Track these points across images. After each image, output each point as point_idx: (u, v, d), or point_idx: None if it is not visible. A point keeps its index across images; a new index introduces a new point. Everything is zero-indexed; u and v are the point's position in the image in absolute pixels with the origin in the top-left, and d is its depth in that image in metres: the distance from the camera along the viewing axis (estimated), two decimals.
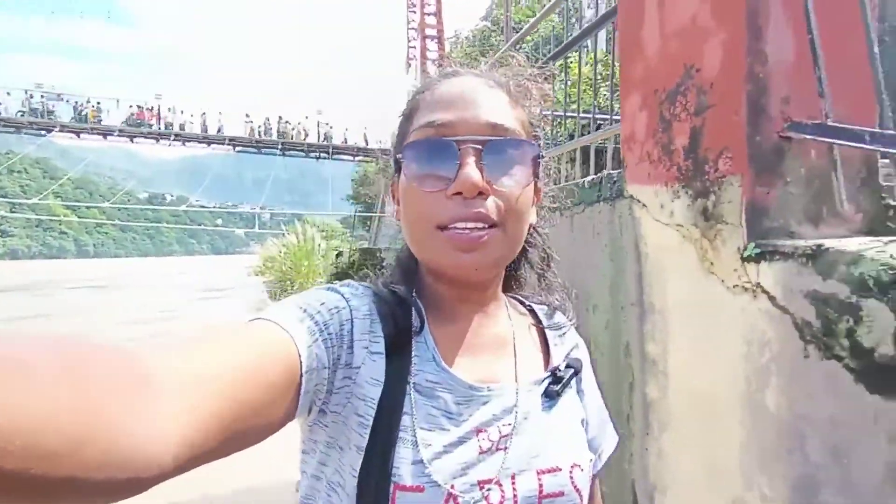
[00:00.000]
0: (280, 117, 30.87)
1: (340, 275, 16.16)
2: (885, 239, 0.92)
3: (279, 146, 31.08)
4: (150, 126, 29.08)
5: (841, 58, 1.06)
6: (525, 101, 0.65)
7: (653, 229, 1.45)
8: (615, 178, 1.64)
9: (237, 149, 32.25)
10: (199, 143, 31.66)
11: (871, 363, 0.86)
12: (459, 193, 0.56)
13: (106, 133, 28.96)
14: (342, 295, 0.58)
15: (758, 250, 1.10)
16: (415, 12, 28.96)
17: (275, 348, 0.48)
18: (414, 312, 0.60)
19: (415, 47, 29.44)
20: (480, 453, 0.57)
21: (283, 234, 17.70)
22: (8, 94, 27.18)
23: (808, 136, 1.08)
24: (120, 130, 28.73)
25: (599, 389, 0.80)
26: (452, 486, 0.54)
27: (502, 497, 0.56)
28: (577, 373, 0.68)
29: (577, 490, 0.60)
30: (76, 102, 28.63)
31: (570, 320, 0.73)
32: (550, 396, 0.64)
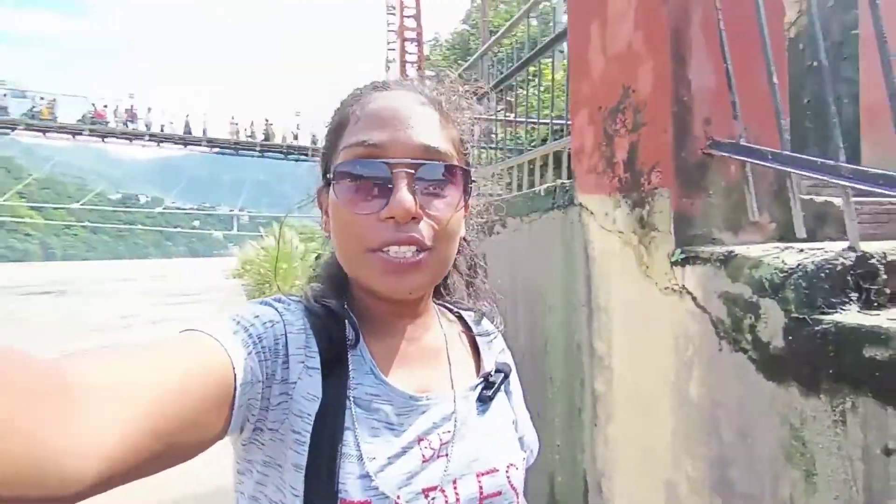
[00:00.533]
0: (266, 120, 30.65)
1: (317, 277, 16.10)
2: (782, 245, 1.06)
3: (257, 147, 30.78)
4: (106, 124, 28.51)
5: (753, 85, 1.19)
6: (457, 116, 0.65)
7: (599, 235, 1.58)
8: (567, 188, 1.77)
9: (215, 150, 31.83)
10: (176, 143, 31.15)
11: (767, 354, 0.99)
12: (392, 217, 0.55)
13: (75, 132, 28.30)
14: (276, 309, 0.57)
15: (683, 255, 1.23)
16: (394, 14, 29.03)
17: (208, 360, 0.47)
18: (349, 326, 0.59)
19: (394, 49, 29.51)
20: (423, 461, 0.58)
21: (261, 237, 17.58)
22: None
23: (725, 154, 1.21)
24: (90, 130, 28.11)
25: (523, 389, 0.83)
26: (398, 497, 0.54)
27: (446, 502, 0.57)
28: (506, 376, 0.70)
29: (514, 488, 0.63)
30: (40, 98, 27.85)
31: (498, 326, 0.75)
32: (483, 401, 0.65)
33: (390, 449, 0.56)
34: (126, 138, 29.32)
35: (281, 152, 31.97)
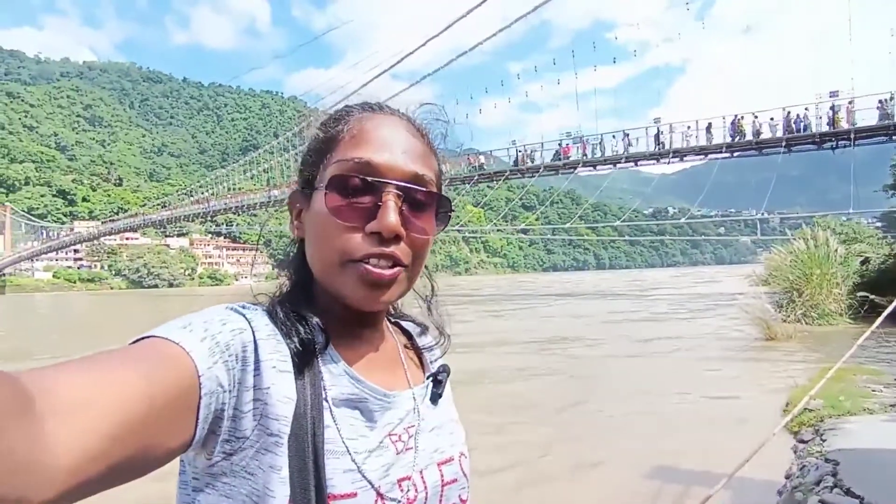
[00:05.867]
0: (859, 100, 26.62)
1: (865, 285, 13.34)
2: None
3: (783, 143, 28.11)
4: (568, 158, 32.77)
5: None
6: (439, 148, 0.69)
7: None
8: None
9: (735, 154, 31.12)
10: (696, 155, 32.33)
11: None
12: (377, 233, 0.58)
13: (615, 161, 33.69)
14: (244, 315, 0.57)
15: None
16: None
17: (172, 369, 0.46)
18: (317, 329, 0.61)
19: None
20: (397, 454, 0.61)
21: (790, 240, 16.12)
22: (541, 145, 35.49)
23: None
24: (626, 157, 32.90)
25: None
26: (380, 488, 0.57)
27: (416, 491, 0.61)
28: (448, 375, 0.75)
29: (465, 475, 0.69)
30: (585, 140, 34.53)
31: (445, 338, 0.79)
32: (434, 399, 0.71)
33: (368, 443, 0.59)
34: (654, 158, 32.69)
35: (813, 142, 27.94)
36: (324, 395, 0.58)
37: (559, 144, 33.96)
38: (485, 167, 35.07)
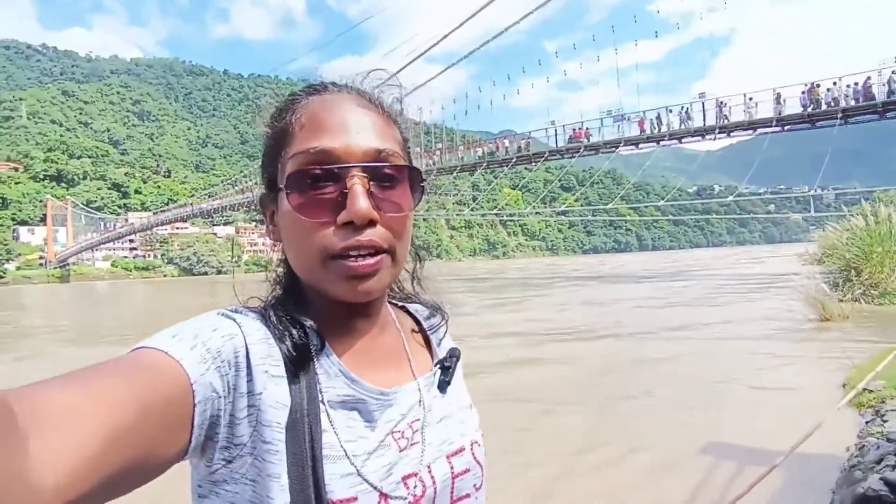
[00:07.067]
0: (835, 82, 25.79)
1: None
2: None
3: (838, 115, 26.56)
4: (581, 142, 31.74)
5: None
6: (398, 116, 0.65)
7: None
8: None
9: (787, 127, 29.60)
10: (745, 130, 30.96)
11: None
12: (350, 223, 0.55)
13: (659, 139, 32.63)
14: (235, 321, 0.55)
15: None
16: None
17: (163, 379, 0.45)
18: (311, 331, 0.59)
19: None
20: (400, 451, 0.59)
21: (847, 216, 15.34)
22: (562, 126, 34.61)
23: None
24: (670, 135, 31.80)
25: None
26: (382, 488, 0.56)
27: (424, 487, 0.60)
28: (457, 360, 0.72)
29: (479, 464, 0.67)
30: (626, 118, 33.38)
31: (445, 319, 0.76)
32: (442, 387, 0.68)
33: (368, 444, 0.57)
34: (699, 135, 31.46)
35: (875, 112, 26.26)
36: (320, 399, 0.57)
37: (572, 130, 33.24)
38: (497, 154, 34.85)
